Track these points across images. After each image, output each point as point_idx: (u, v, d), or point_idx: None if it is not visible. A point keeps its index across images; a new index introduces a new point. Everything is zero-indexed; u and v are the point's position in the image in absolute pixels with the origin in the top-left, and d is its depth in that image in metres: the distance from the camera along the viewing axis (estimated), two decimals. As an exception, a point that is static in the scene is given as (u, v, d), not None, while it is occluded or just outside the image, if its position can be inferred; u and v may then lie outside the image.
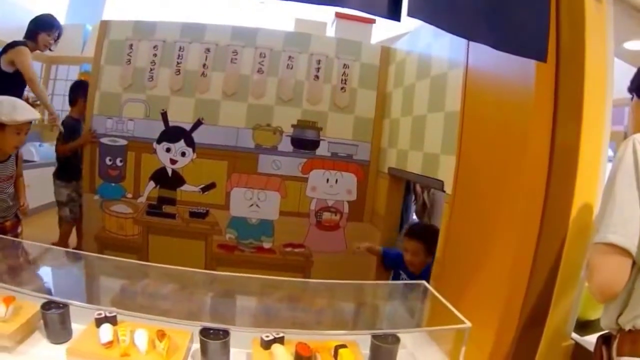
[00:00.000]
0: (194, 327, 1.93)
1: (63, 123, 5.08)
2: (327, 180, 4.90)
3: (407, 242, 3.68)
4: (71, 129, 5.02)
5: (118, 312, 1.98)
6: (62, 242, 5.15)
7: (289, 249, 4.94)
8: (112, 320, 1.96)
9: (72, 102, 5.15)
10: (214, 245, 4.92)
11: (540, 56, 1.82)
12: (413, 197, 6.91)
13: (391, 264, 3.97)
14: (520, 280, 2.21)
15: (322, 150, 4.87)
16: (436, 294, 2.27)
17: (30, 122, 3.40)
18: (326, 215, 4.94)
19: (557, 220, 2.12)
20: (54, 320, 1.96)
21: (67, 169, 5.13)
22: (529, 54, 1.84)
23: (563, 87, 2.11)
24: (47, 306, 1.98)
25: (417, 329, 2.40)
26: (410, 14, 1.60)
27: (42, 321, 2.00)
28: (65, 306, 1.97)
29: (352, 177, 4.94)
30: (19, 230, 3.63)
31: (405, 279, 3.66)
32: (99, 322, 1.95)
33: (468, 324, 1.96)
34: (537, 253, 2.21)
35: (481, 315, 2.12)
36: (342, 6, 1.62)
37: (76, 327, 2.02)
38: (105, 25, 4.87)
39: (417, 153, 3.76)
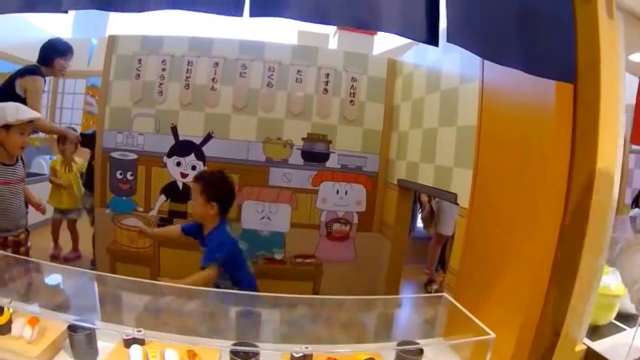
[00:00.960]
0: (222, 345, 1.97)
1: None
2: (337, 191, 4.95)
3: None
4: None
5: (148, 336, 2.01)
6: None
7: (299, 260, 4.98)
8: (141, 341, 1.99)
9: None
10: (225, 258, 4.91)
11: (569, 78, 1.88)
12: (418, 206, 7.02)
13: (190, 232, 3.83)
14: (539, 290, 2.25)
15: (332, 162, 4.91)
16: (458, 305, 2.31)
17: (31, 122, 3.62)
18: (336, 226, 4.99)
19: (575, 231, 2.16)
20: (81, 341, 1.98)
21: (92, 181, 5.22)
22: (558, 77, 1.90)
23: (581, 103, 2.15)
24: (73, 327, 2.01)
25: (442, 340, 2.43)
26: (450, 40, 1.65)
27: (67, 341, 2.03)
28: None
29: (361, 189, 4.99)
30: (29, 244, 3.72)
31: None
32: (128, 343, 1.98)
33: (492, 335, 1.99)
34: (555, 264, 2.24)
35: (501, 324, 2.16)
36: (382, 30, 1.67)
37: (100, 344, 2.05)
38: (112, 40, 4.89)
39: (428, 165, 3.80)
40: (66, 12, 1.69)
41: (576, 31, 2.07)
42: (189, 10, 1.60)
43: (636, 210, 5.40)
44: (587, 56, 2.09)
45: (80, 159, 5.84)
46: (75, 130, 5.52)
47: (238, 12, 1.58)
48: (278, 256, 4.96)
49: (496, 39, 1.74)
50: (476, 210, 2.86)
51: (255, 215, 4.89)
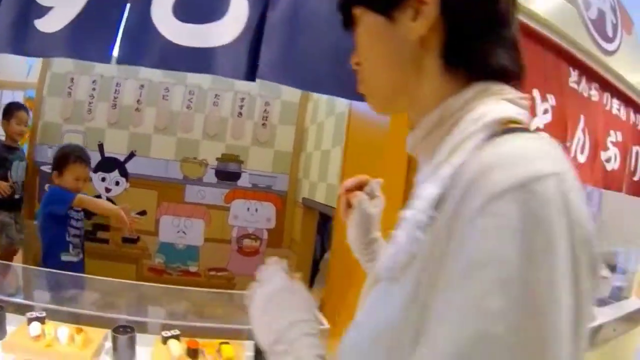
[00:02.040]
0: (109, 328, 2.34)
1: None
2: (248, 209, 5.30)
3: (81, 168, 3.55)
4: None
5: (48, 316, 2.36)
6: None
7: (213, 273, 5.28)
8: (41, 320, 2.34)
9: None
10: (144, 269, 5.18)
11: None
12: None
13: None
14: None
15: (244, 181, 5.28)
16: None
17: None
18: (247, 242, 5.34)
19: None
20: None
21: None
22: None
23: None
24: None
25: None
26: (260, 76, 2.02)
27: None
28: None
29: (271, 207, 5.35)
30: None
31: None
32: (30, 321, 2.33)
33: (327, 325, 2.35)
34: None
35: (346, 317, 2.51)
36: (213, 74, 2.04)
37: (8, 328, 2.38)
38: (48, 58, 5.04)
39: (323, 184, 4.20)
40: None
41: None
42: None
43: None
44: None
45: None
46: None
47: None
48: (193, 268, 5.27)
49: (310, 71, 2.07)
50: (338, 223, 3.17)
51: (172, 229, 5.20)
